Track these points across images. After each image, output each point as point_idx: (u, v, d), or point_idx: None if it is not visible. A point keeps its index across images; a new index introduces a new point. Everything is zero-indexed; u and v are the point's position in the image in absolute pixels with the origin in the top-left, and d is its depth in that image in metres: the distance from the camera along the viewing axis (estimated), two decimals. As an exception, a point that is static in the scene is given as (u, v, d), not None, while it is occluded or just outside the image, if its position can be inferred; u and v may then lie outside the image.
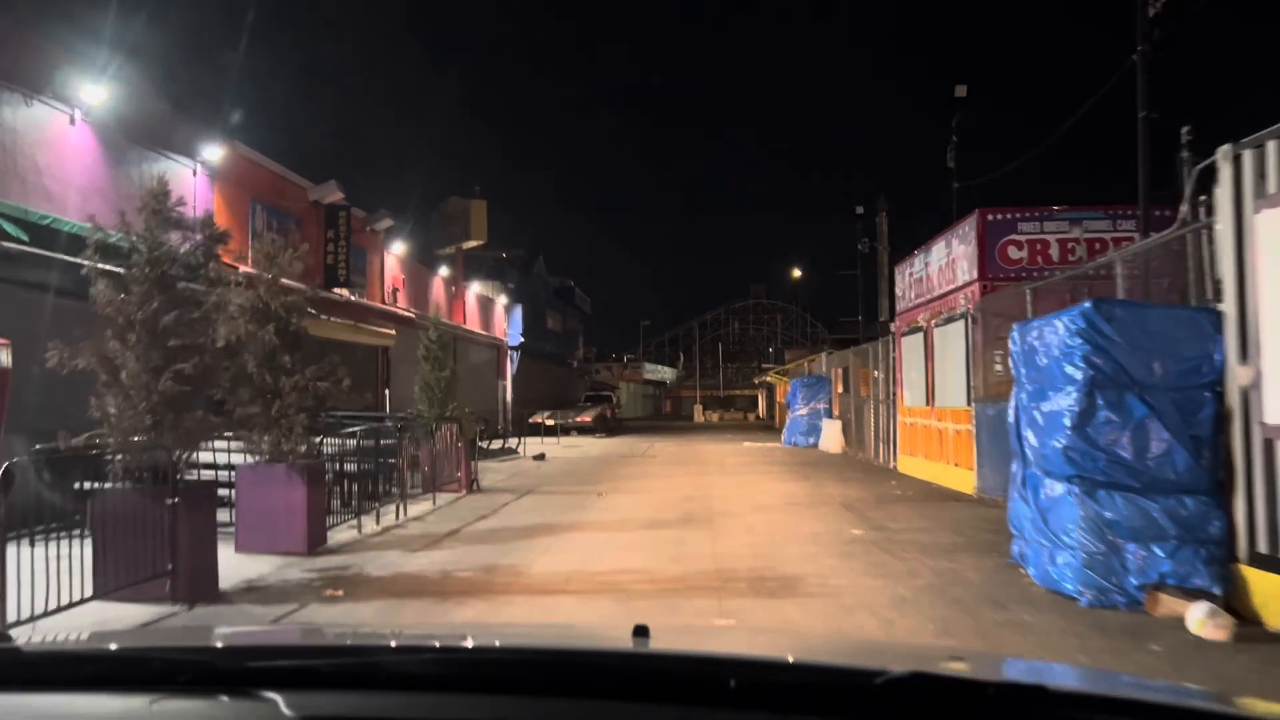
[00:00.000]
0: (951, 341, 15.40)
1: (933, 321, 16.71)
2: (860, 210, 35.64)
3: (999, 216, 14.00)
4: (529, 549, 10.14)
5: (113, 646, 1.94)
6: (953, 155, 23.66)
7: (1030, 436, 8.15)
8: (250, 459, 10.26)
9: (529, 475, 19.88)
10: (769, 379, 47.31)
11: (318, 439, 10.98)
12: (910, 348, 18.45)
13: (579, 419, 39.97)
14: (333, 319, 22.05)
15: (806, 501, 14.44)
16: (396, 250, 26.64)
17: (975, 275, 14.04)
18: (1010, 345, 8.64)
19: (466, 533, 11.73)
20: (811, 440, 28.45)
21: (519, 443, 25.36)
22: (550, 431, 40.49)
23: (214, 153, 16.59)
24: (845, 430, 25.91)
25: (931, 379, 16.69)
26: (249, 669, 1.69)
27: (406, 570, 9.06)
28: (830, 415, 28.27)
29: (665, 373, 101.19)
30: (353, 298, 23.42)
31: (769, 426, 52.22)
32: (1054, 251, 13.80)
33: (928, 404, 17.08)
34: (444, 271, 31.03)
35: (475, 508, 14.11)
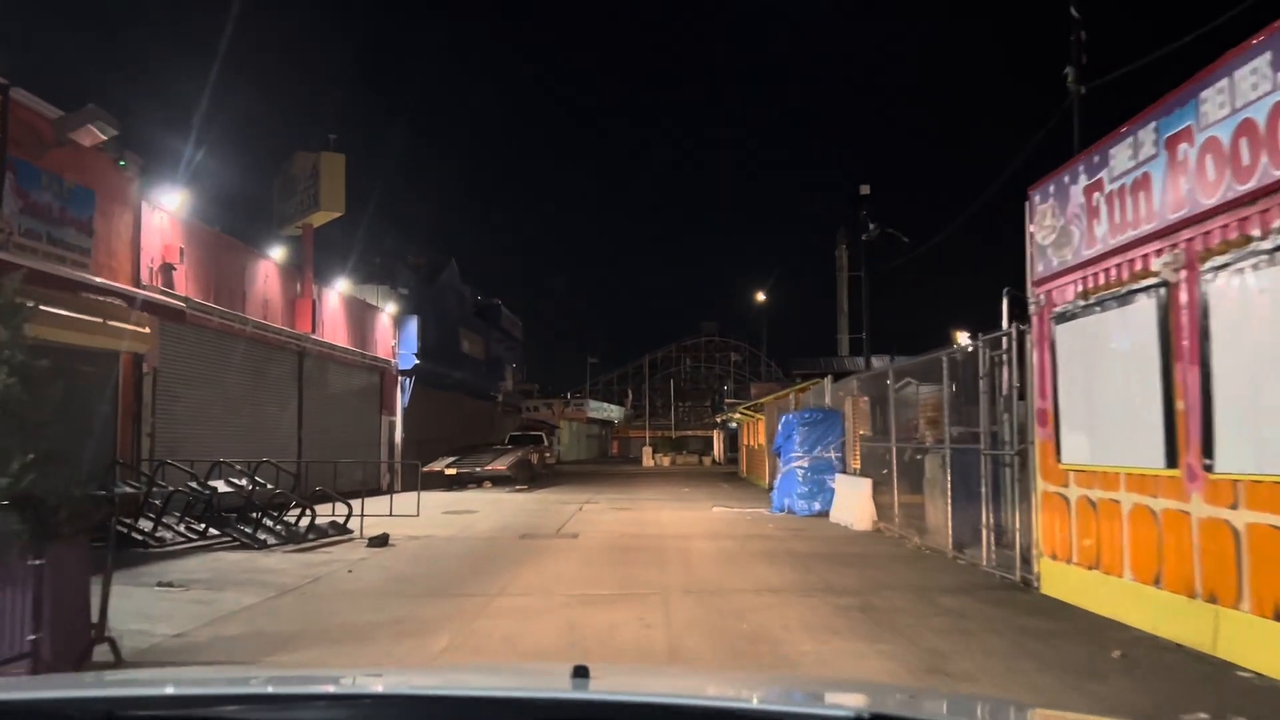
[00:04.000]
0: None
1: (1205, 265, 6.89)
2: (865, 190, 26.12)
3: None
4: None
5: None
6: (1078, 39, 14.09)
7: None
8: None
9: (306, 599, 9.59)
10: (736, 416, 37.50)
11: None
12: (1095, 343, 8.64)
13: (491, 467, 29.66)
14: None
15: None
16: (169, 205, 16.39)
17: None
18: None
19: None
20: (817, 505, 18.47)
21: (351, 515, 15.03)
22: (455, 483, 30.22)
23: None
24: (876, 493, 16.01)
25: (1204, 404, 6.84)
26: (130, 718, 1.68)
27: None
28: (844, 469, 18.35)
29: (612, 411, 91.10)
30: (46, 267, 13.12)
31: (732, 474, 42.21)
32: None
33: (1174, 465, 7.22)
34: (277, 254, 20.75)
35: None
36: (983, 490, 11.08)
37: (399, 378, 29.51)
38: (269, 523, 14.12)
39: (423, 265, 34.95)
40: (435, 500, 23.57)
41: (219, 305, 18.15)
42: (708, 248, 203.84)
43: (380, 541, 13.87)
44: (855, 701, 1.86)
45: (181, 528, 13.54)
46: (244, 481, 14.08)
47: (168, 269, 16.32)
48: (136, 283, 15.35)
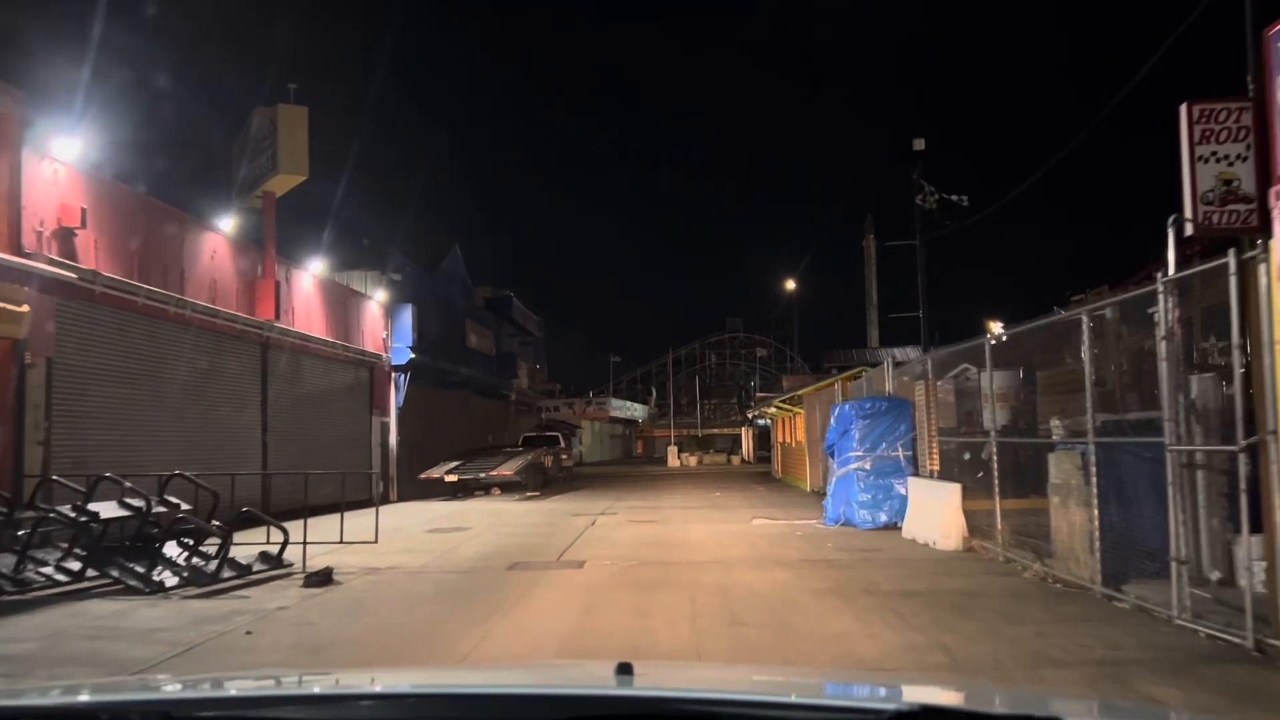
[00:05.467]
0: None
1: None
2: (919, 145, 22.32)
3: None
4: None
5: (55, 701, 2.04)
6: None
7: None
8: None
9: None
10: (770, 410, 33.81)
11: None
12: None
13: (497, 472, 26.14)
14: None
15: None
16: (67, 156, 13.01)
17: None
18: None
19: None
20: (883, 517, 14.81)
21: (287, 542, 11.48)
22: (459, 490, 26.78)
23: None
24: (967, 500, 12.36)
25: None
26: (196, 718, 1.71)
27: None
28: (916, 471, 14.69)
29: (636, 410, 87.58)
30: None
31: (765, 474, 38.52)
32: None
33: None
34: (227, 227, 17.30)
35: None
36: (1171, 503, 7.42)
37: (392, 374, 26.09)
38: (181, 555, 10.69)
39: (421, 251, 31.54)
40: (425, 514, 20.12)
41: (146, 284, 14.75)
42: (732, 245, 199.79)
43: (320, 579, 10.39)
44: (902, 697, 1.84)
45: (50, 568, 10.10)
46: (142, 503, 10.60)
47: (66, 234, 12.93)
48: (17, 249, 11.96)
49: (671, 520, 17.72)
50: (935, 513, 12.77)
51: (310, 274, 21.22)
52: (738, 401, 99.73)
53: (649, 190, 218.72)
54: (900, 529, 14.18)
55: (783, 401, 30.06)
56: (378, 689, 2.07)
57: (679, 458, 56.18)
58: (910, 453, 14.98)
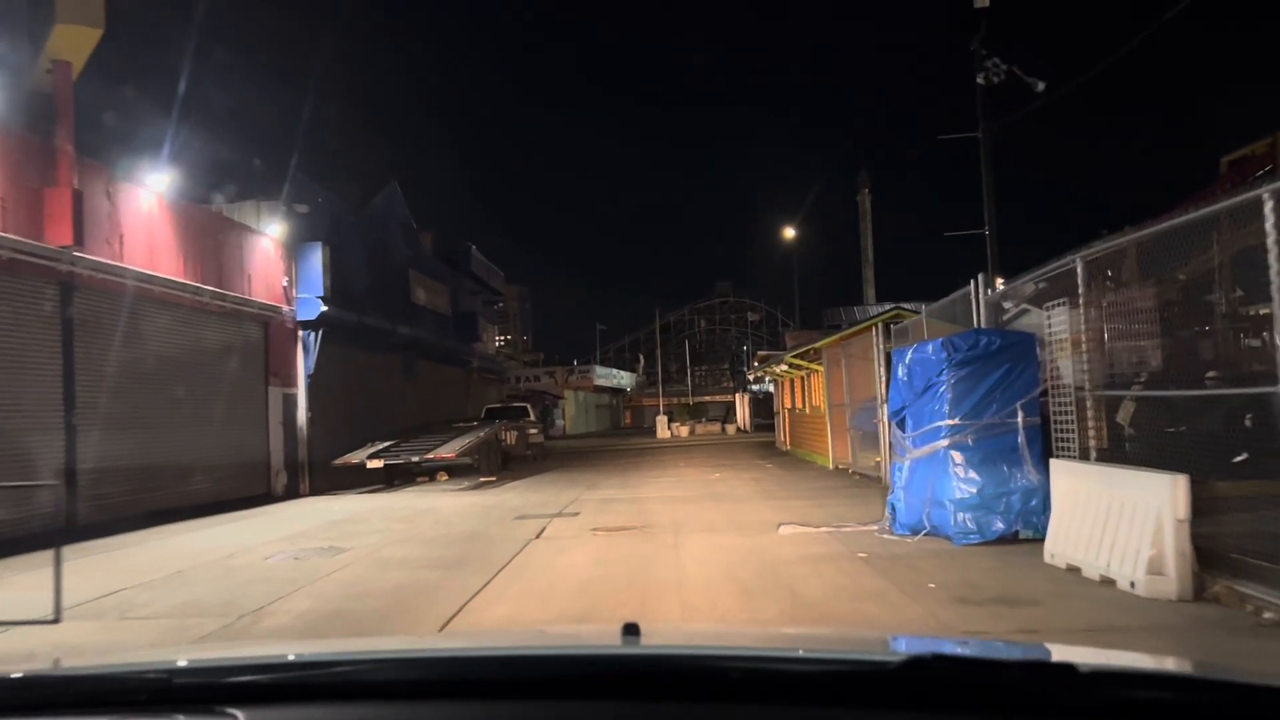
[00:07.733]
0: None
1: None
2: (984, 2, 16.26)
3: None
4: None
5: (66, 670, 1.88)
6: None
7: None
8: None
9: None
10: (779, 369, 27.90)
11: None
12: None
13: (437, 454, 20.23)
14: None
15: None
16: None
17: None
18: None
19: None
20: (999, 523, 8.94)
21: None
22: (396, 479, 21.04)
23: None
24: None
25: None
26: (209, 685, 1.59)
27: None
28: (1055, 448, 8.86)
29: (623, 378, 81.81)
30: None
31: (768, 445, 32.77)
32: None
33: None
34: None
35: None
36: None
37: (298, 331, 20.14)
38: None
39: (350, 185, 25.45)
40: (311, 519, 14.27)
41: None
42: (722, 208, 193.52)
43: None
44: (908, 649, 1.81)
45: None
46: None
47: None
48: None
49: (656, 525, 11.90)
50: (1126, 526, 6.95)
51: (153, 192, 15.17)
52: (729, 367, 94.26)
53: (640, 155, 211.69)
54: (1031, 543, 8.40)
55: (796, 357, 24.20)
56: (390, 654, 1.97)
57: (669, 428, 50.41)
58: (1036, 421, 9.15)
